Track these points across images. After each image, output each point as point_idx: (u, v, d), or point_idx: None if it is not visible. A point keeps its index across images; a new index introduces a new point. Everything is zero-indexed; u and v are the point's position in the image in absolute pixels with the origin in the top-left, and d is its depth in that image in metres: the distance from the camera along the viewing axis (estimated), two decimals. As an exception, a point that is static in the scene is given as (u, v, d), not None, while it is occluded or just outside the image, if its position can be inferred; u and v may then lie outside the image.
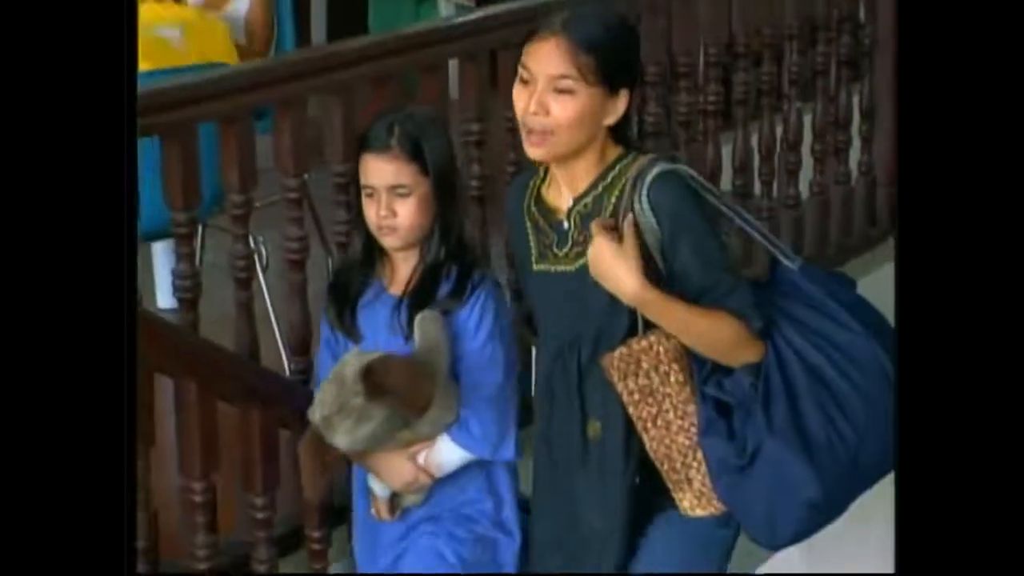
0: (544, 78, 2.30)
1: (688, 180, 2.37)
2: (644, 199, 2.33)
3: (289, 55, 4.31)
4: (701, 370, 2.40)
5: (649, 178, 2.34)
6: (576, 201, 2.42)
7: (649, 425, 2.40)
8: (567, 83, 2.29)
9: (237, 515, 2.85)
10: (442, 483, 2.66)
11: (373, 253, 2.65)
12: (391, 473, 2.63)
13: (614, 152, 2.41)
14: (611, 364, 2.39)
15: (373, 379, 2.44)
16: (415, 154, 2.54)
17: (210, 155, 2.87)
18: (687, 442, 2.40)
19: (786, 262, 2.46)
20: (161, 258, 4.15)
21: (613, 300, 2.35)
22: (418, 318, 2.52)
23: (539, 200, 2.48)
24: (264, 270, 3.78)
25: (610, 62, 2.32)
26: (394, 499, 2.67)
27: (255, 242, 3.32)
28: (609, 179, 2.40)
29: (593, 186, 2.41)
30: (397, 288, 2.63)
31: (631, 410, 2.41)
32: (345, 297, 2.66)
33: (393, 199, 2.55)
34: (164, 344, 2.66)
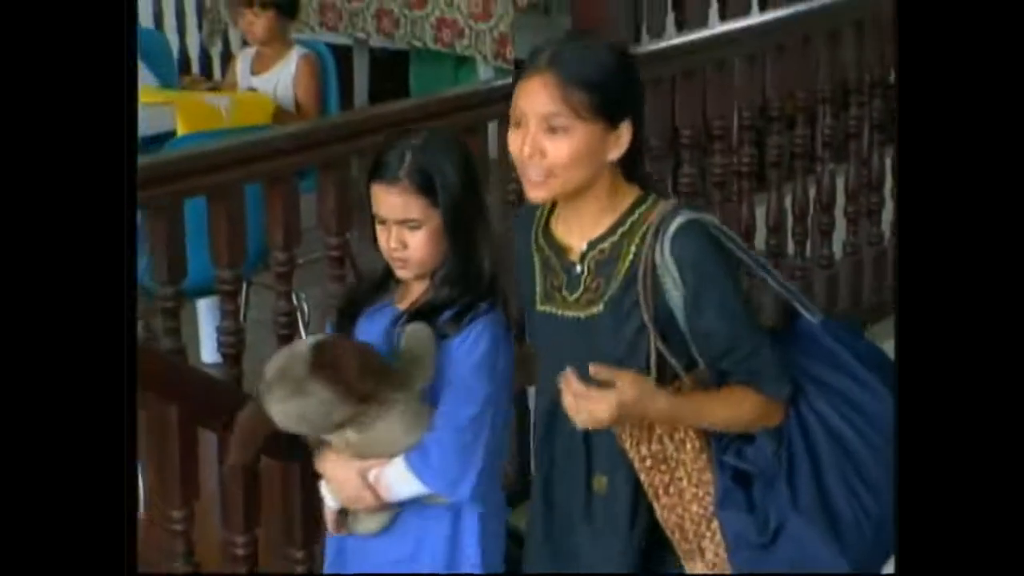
0: (535, 118, 2.13)
1: (711, 229, 2.20)
2: (667, 251, 2.15)
3: (332, 117, 4.38)
4: (720, 437, 2.24)
5: (672, 228, 2.16)
6: (591, 246, 2.23)
7: (661, 492, 2.24)
8: (560, 121, 2.13)
9: (277, 567, 2.86)
10: (400, 527, 2.48)
11: (389, 278, 2.52)
12: (336, 481, 2.46)
13: (630, 193, 2.24)
14: (623, 428, 2.20)
15: (322, 355, 2.33)
16: (426, 187, 2.39)
17: (255, 214, 2.92)
18: (701, 511, 2.24)
19: (808, 316, 2.29)
20: (206, 314, 4.21)
21: (629, 353, 2.19)
22: (408, 327, 2.40)
23: (547, 233, 2.29)
24: (306, 326, 3.81)
25: (604, 95, 2.15)
26: (342, 514, 2.51)
27: (297, 299, 3.36)
28: (628, 224, 2.21)
29: (611, 231, 2.22)
30: (404, 305, 2.50)
31: (643, 476, 2.23)
32: (352, 310, 2.54)
33: (403, 231, 2.41)
34: (207, 398, 2.70)
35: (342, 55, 5.16)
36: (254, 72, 4.53)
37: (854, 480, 2.22)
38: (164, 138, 3.96)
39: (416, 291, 2.49)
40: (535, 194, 2.17)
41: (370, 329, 2.49)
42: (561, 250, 2.26)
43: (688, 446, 2.22)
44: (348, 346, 2.39)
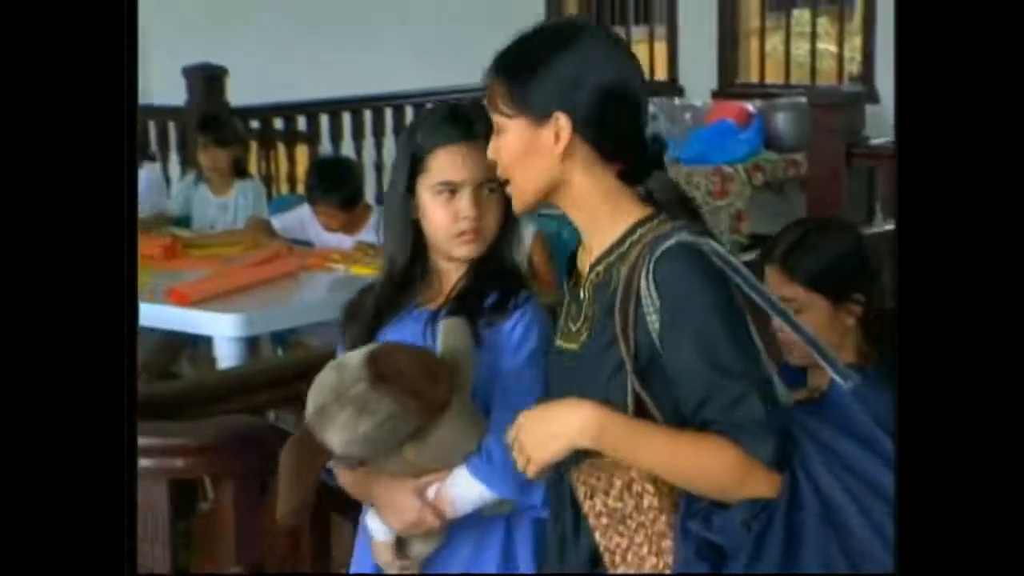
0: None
1: (708, 254, 1.82)
2: (650, 276, 1.82)
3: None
4: (691, 500, 1.82)
5: (661, 249, 1.81)
6: (591, 269, 1.93)
7: (618, 559, 1.83)
8: (500, 120, 1.92)
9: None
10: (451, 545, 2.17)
11: (415, 273, 2.23)
12: (392, 508, 2.12)
13: (637, 212, 1.91)
14: (577, 478, 1.84)
15: (380, 365, 2.02)
16: None
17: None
18: None
19: (838, 379, 1.83)
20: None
21: (609, 393, 1.84)
22: (442, 323, 2.12)
23: (572, 266, 2.02)
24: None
25: (521, 84, 1.89)
26: (398, 544, 2.16)
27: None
28: (627, 245, 1.88)
29: (608, 252, 1.90)
30: (435, 303, 2.20)
31: (598, 536, 1.84)
32: (376, 319, 2.22)
33: (481, 195, 2.14)
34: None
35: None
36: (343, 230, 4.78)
37: (837, 557, 1.81)
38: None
39: (446, 286, 2.21)
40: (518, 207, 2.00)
41: (399, 337, 2.18)
42: (577, 280, 1.98)
43: (645, 503, 1.81)
44: (404, 351, 2.09)
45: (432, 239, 2.19)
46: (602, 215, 1.92)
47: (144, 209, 5.55)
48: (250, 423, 2.58)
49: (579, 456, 1.84)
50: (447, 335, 2.11)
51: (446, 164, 2.15)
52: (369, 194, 5.34)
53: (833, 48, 7.91)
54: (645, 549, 1.82)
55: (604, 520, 1.82)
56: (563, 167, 1.90)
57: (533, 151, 1.90)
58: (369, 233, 4.52)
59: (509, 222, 2.18)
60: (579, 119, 1.88)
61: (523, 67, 1.90)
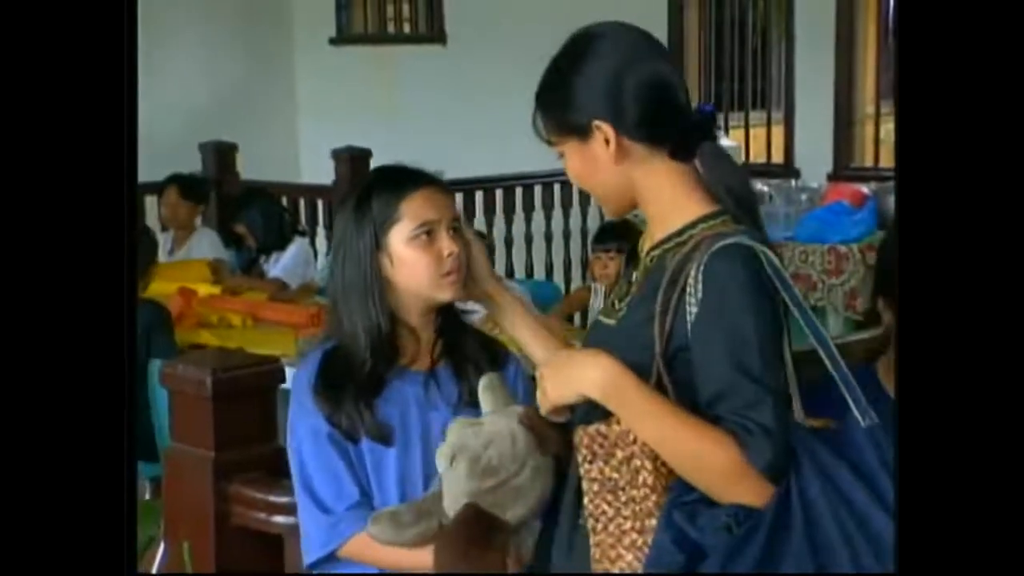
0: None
1: (765, 265, 1.81)
2: (701, 269, 1.81)
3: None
4: (682, 488, 1.79)
5: (718, 245, 1.81)
6: (648, 253, 1.95)
7: (599, 527, 1.82)
8: (558, 149, 1.97)
9: None
10: None
11: (393, 334, 2.17)
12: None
13: (701, 207, 1.92)
14: (580, 440, 1.83)
15: (534, 423, 2.00)
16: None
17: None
18: (636, 565, 1.80)
19: (857, 415, 1.79)
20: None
21: (634, 367, 1.82)
22: (484, 382, 2.08)
23: (633, 252, 2.04)
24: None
25: (556, 111, 1.94)
26: None
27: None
28: (685, 236, 1.89)
29: (667, 239, 1.92)
30: (421, 363, 2.20)
31: (586, 500, 1.83)
32: (375, 384, 2.17)
33: (453, 236, 2.15)
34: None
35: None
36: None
37: None
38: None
39: (424, 344, 2.21)
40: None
41: (397, 401, 2.18)
42: (635, 261, 2.00)
43: (640, 479, 1.80)
44: (528, 408, 2.04)
45: (415, 289, 2.15)
46: (667, 205, 1.93)
47: (293, 280, 5.90)
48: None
49: (591, 418, 1.85)
50: (495, 390, 2.08)
51: (421, 206, 2.15)
52: (499, 268, 5.52)
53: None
54: (629, 524, 1.81)
55: (596, 487, 1.82)
56: (622, 169, 1.92)
57: (592, 165, 1.93)
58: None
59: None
60: (619, 121, 1.89)
61: (552, 93, 1.94)
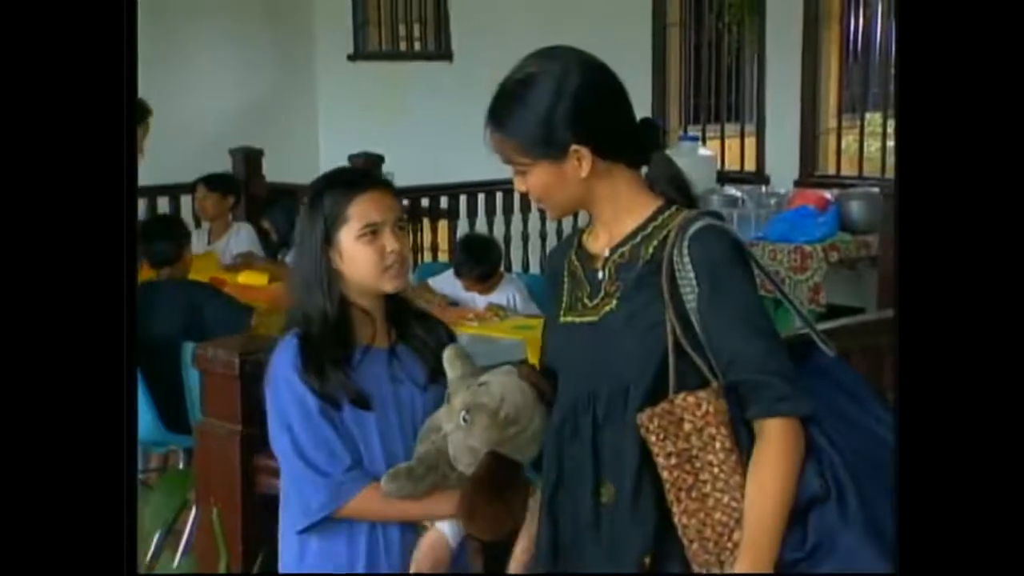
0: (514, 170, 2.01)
1: (732, 237, 1.93)
2: (685, 253, 1.89)
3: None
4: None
5: (693, 229, 1.90)
6: (612, 251, 1.99)
7: (683, 495, 1.87)
8: (517, 167, 1.98)
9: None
10: None
11: (346, 318, 2.22)
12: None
13: (654, 203, 1.99)
14: (649, 421, 1.86)
15: (526, 374, 2.13)
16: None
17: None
18: (725, 519, 1.86)
19: (824, 348, 1.96)
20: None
21: (642, 352, 1.91)
22: (451, 352, 2.18)
23: (581, 249, 2.06)
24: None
25: (531, 137, 1.96)
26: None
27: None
28: (650, 229, 1.97)
29: (632, 235, 1.98)
30: (381, 341, 2.25)
31: (665, 475, 1.87)
32: (347, 356, 2.23)
33: (397, 234, 2.23)
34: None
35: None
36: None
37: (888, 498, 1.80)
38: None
39: (379, 325, 2.26)
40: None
41: (368, 375, 2.23)
42: (589, 260, 2.03)
43: (717, 445, 1.86)
44: (524, 366, 2.18)
45: (361, 281, 2.21)
46: (622, 208, 1.99)
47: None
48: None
49: (637, 402, 1.91)
50: (462, 358, 2.17)
51: (367, 208, 2.20)
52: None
53: (902, 145, 8.04)
54: (709, 487, 1.88)
55: (673, 460, 1.87)
56: (587, 183, 1.97)
57: (560, 182, 1.96)
58: (499, 295, 4.94)
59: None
60: (595, 143, 1.94)
61: (524, 120, 1.93)
